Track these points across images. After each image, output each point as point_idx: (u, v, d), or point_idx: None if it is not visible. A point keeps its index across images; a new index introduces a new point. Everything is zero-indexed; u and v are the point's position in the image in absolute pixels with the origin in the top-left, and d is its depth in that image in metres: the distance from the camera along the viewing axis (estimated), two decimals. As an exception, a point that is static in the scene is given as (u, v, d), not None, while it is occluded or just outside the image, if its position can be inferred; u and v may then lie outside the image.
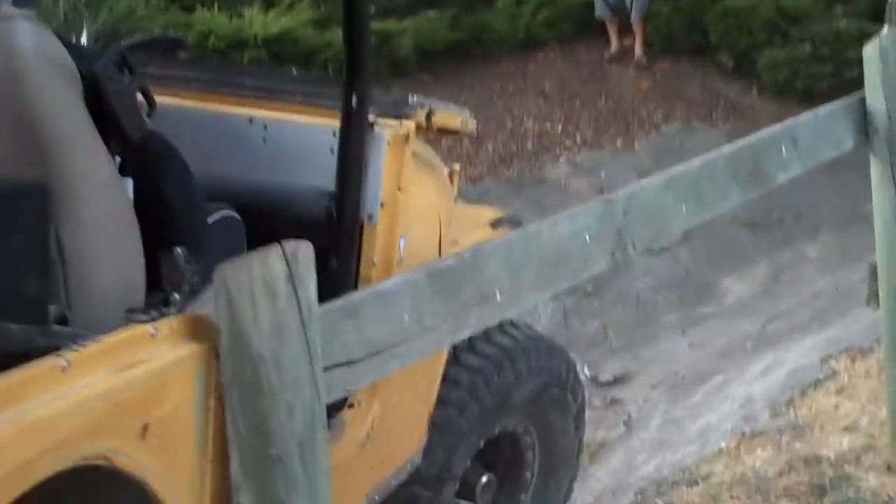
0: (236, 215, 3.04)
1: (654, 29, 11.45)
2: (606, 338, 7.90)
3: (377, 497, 3.23)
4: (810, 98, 9.31)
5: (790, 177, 3.49)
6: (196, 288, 2.47)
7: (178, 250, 2.40)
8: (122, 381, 1.97)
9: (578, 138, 9.82)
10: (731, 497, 4.20)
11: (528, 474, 4.09)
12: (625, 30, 11.50)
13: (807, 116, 3.66)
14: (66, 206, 2.43)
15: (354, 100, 2.93)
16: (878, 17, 11.84)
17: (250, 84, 3.49)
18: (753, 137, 3.39)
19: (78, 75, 2.58)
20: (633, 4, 11.12)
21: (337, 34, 9.67)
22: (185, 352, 2.07)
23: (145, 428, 1.98)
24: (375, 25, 9.95)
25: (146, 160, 2.80)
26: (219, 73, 3.70)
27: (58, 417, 1.82)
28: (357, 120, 2.96)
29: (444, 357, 3.47)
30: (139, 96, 2.81)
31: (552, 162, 9.42)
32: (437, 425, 3.49)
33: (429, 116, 3.39)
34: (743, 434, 4.94)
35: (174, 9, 10.18)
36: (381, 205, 3.09)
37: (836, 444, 4.45)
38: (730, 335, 7.93)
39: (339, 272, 2.98)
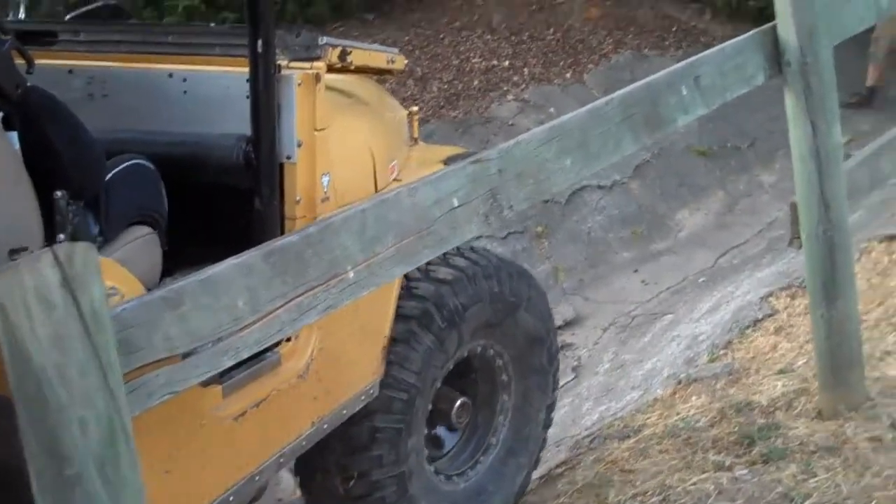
0: (147, 163, 3.12)
1: (603, -46, 11.16)
2: (557, 280, 7.74)
3: (326, 426, 3.35)
4: (765, 19, 9.01)
5: (692, 118, 3.29)
6: (86, 228, 2.76)
7: (58, 193, 2.63)
8: None
9: (527, 73, 9.57)
10: (660, 451, 4.06)
11: (504, 397, 4.20)
12: (573, -43, 11.22)
13: (712, 52, 3.44)
14: None
15: (259, 44, 3.00)
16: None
17: (171, 41, 3.61)
18: (649, 79, 3.18)
19: None
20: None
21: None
22: None
23: None
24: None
25: (28, 113, 2.85)
26: (143, 33, 3.82)
27: None
28: (264, 63, 3.02)
29: (394, 290, 3.58)
30: (16, 56, 2.92)
31: (499, 99, 9.17)
32: (396, 351, 3.60)
33: (343, 55, 3.48)
34: (679, 381, 4.79)
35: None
36: (298, 144, 3.18)
37: (770, 388, 4.31)
38: (683, 271, 7.80)
39: (263, 212, 3.11)
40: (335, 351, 3.34)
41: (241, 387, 2.98)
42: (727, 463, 3.72)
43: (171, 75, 3.45)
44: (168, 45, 3.60)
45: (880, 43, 10.07)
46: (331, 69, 3.41)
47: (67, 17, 4.07)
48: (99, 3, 4.09)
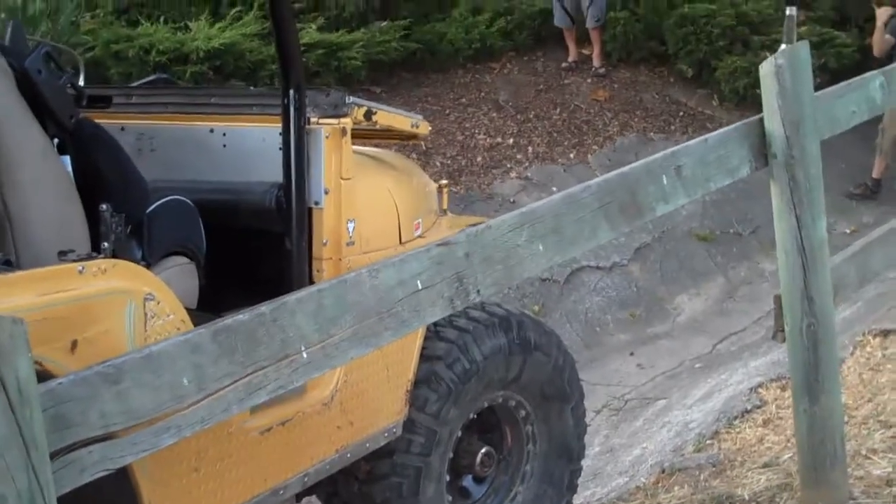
0: (186, 200, 3.45)
1: (612, 37, 11.21)
2: (551, 360, 7.65)
3: (349, 455, 3.57)
4: (771, 108, 9.03)
5: (671, 208, 3.25)
6: (130, 252, 3.13)
7: (103, 206, 3.00)
8: (47, 300, 2.43)
9: (531, 151, 9.58)
10: (637, 542, 3.98)
11: (530, 447, 4.34)
12: (583, 39, 11.28)
13: (694, 143, 3.42)
14: (6, 173, 2.83)
15: (291, 96, 3.39)
16: (840, 24, 11.68)
17: (213, 102, 4.00)
18: (628, 167, 3.15)
19: (9, 68, 2.99)
20: (589, 10, 10.87)
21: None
22: (114, 286, 2.61)
23: (74, 343, 2.46)
24: (325, 37, 9.73)
25: (79, 140, 3.21)
26: (188, 96, 4.27)
27: None
28: (295, 116, 3.39)
29: (420, 331, 3.78)
30: (70, 90, 3.27)
31: (502, 177, 9.17)
32: (418, 395, 3.82)
33: (369, 115, 3.76)
34: (663, 470, 4.71)
35: (118, 23, 9.92)
36: (326, 191, 3.49)
37: (753, 482, 4.22)
38: (679, 356, 7.73)
39: (293, 253, 3.43)
40: (359, 385, 3.57)
41: (267, 406, 3.07)
42: (702, 559, 3.63)
43: (212, 130, 3.80)
44: (210, 105, 3.96)
45: (886, 134, 10.07)
46: (356, 127, 3.71)
47: (132, 85, 4.54)
48: (152, 77, 4.63)
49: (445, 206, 4.50)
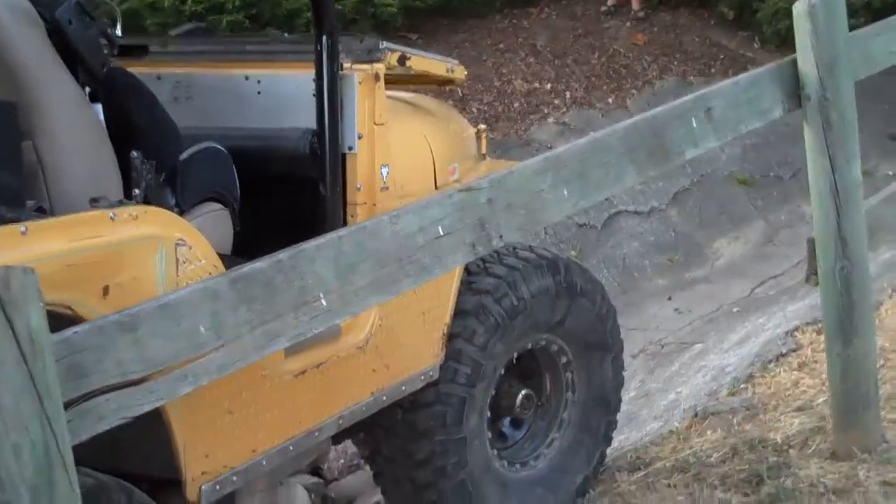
0: (221, 148, 3.45)
1: (652, -21, 11.07)
2: (589, 305, 7.63)
3: (385, 398, 3.58)
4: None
5: (701, 151, 3.21)
6: (164, 199, 3.12)
7: (134, 154, 3.02)
8: (78, 246, 2.46)
9: (568, 97, 9.50)
10: (668, 486, 3.97)
11: (569, 395, 4.31)
12: (624, -18, 11.14)
13: (725, 84, 3.37)
14: (38, 121, 2.86)
15: (324, 42, 3.38)
16: (886, -38, 11.40)
17: (249, 49, 4.03)
18: (657, 110, 3.11)
19: (40, 19, 2.99)
20: (628, -48, 10.75)
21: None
22: (145, 232, 2.64)
23: (106, 289, 2.47)
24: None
25: (112, 89, 3.24)
26: (224, 44, 4.34)
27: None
28: (328, 63, 3.39)
29: (455, 276, 3.77)
30: (102, 39, 3.26)
31: (539, 122, 9.11)
32: (452, 346, 3.79)
33: (402, 60, 3.74)
34: (696, 415, 4.69)
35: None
36: (359, 136, 3.48)
37: (786, 426, 4.21)
38: (718, 300, 7.68)
39: (327, 198, 3.43)
40: (395, 329, 3.58)
41: (301, 349, 3.11)
42: (733, 501, 3.63)
43: (247, 78, 3.78)
44: (245, 53, 3.98)
45: (931, 74, 9.90)
46: (390, 72, 3.67)
47: (169, 34, 4.60)
48: (190, 26, 4.70)
49: (485, 151, 4.49)
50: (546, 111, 9.24)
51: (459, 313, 3.84)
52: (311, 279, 2.24)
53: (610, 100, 9.55)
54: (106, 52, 3.29)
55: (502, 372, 4.06)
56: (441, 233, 2.48)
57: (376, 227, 2.40)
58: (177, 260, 2.71)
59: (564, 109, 9.32)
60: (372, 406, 3.54)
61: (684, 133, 3.14)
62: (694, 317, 7.45)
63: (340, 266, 2.30)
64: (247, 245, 3.39)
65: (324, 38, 3.39)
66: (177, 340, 2.03)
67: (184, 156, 3.31)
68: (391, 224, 2.41)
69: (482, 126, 4.58)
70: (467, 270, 3.90)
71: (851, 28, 3.83)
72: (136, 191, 3.02)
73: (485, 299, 3.89)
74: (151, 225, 2.68)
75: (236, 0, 9.27)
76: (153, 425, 2.59)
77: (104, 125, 3.12)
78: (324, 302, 2.26)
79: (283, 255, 2.22)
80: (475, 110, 9.10)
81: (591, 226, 8.09)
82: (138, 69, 3.78)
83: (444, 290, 3.76)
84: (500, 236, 2.62)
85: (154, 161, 3.09)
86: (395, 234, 2.41)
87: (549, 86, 9.61)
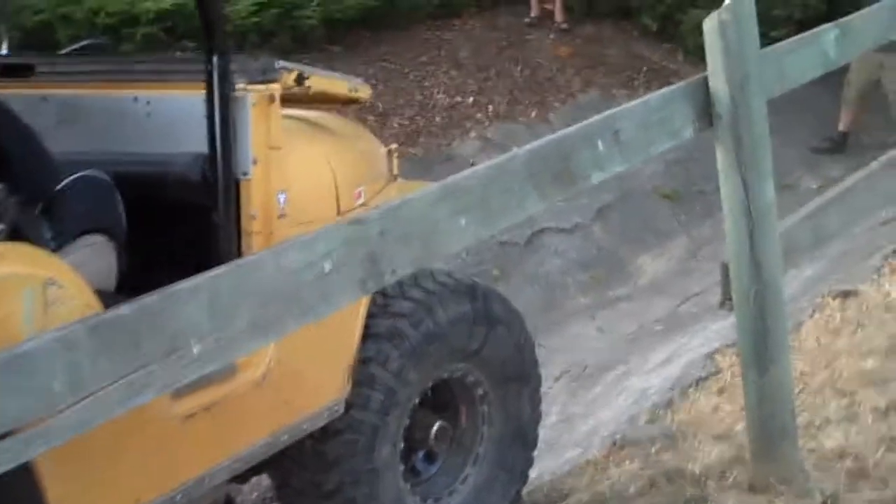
0: (101, 175, 3.31)
1: (576, -9, 10.99)
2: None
3: (285, 437, 3.43)
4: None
5: (607, 175, 3.09)
6: (39, 233, 2.99)
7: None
8: None
9: (491, 111, 9.37)
10: (583, 522, 3.85)
11: (485, 429, 4.18)
12: (546, -8, 11.04)
13: (635, 104, 3.25)
14: None
15: (214, 62, 3.22)
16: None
17: (138, 69, 3.88)
18: (562, 133, 2.98)
19: None
20: (550, -38, 10.66)
21: (234, 8, 9.20)
22: (8, 271, 2.48)
23: None
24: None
25: None
26: (114, 64, 4.14)
27: None
28: (220, 83, 3.22)
29: (361, 308, 3.64)
30: None
31: (461, 137, 8.96)
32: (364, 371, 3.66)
33: (300, 79, 3.60)
34: (614, 443, 4.57)
35: (66, -16, 9.64)
36: (254, 161, 3.32)
37: (705, 455, 4.10)
38: (640, 319, 7.58)
39: (220, 227, 3.27)
40: (295, 363, 3.41)
41: (190, 390, 2.95)
42: (649, 538, 3.51)
43: (135, 99, 3.63)
44: (135, 73, 3.81)
45: (852, 87, 9.92)
46: (287, 92, 3.53)
47: (59, 52, 4.47)
48: (86, 42, 4.38)
49: (396, 172, 4.32)
50: (468, 125, 9.11)
51: (373, 337, 3.71)
52: (182, 324, 2.08)
53: (533, 113, 9.44)
54: None
55: (417, 402, 3.91)
56: (327, 270, 2.33)
57: (258, 263, 2.24)
58: (45, 301, 2.52)
59: (487, 124, 9.19)
60: (271, 446, 3.39)
61: (589, 157, 3.02)
62: (616, 336, 7.34)
63: (217, 308, 2.13)
64: (135, 279, 3.21)
65: (214, 57, 3.23)
66: (28, 396, 1.85)
67: (60, 186, 3.17)
68: (274, 259, 2.25)
69: (393, 145, 4.44)
70: (382, 293, 3.76)
71: (775, 40, 3.74)
72: (1, 226, 2.84)
73: (400, 323, 3.76)
74: (15, 263, 2.53)
75: (150, 13, 9.03)
76: (19, 479, 2.40)
77: None
78: (195, 350, 2.09)
79: (150, 298, 2.05)
80: (396, 125, 8.94)
81: (514, 243, 7.96)
82: (24, 90, 3.66)
83: (349, 318, 3.62)
84: (393, 271, 2.47)
85: (25, 193, 2.91)
86: (278, 271, 2.25)
87: (471, 99, 9.48)
